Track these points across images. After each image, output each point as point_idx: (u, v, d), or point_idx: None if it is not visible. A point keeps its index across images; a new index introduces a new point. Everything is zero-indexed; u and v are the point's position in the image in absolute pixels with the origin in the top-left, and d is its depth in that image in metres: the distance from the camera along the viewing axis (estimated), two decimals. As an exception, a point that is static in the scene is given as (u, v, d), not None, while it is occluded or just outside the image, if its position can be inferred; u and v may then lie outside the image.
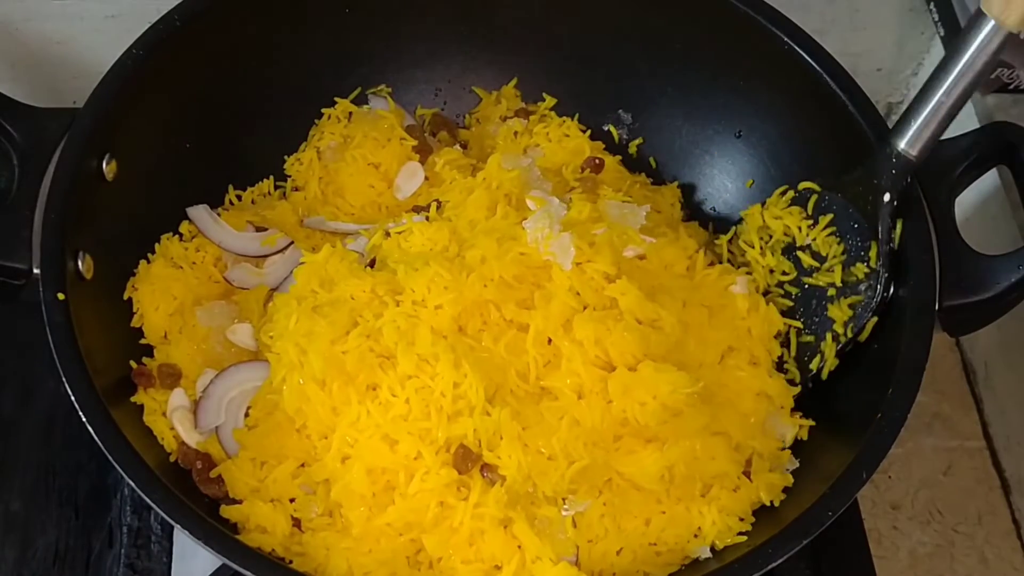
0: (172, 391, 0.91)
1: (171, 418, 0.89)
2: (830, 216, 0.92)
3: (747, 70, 1.01)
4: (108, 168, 0.89)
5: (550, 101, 1.10)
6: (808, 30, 0.96)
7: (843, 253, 0.91)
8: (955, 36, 0.83)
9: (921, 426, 1.14)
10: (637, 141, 1.10)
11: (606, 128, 1.10)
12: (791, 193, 0.96)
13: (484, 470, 0.84)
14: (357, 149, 1.05)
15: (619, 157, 1.09)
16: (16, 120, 0.87)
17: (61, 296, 0.81)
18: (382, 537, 0.84)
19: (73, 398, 0.78)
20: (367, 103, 1.09)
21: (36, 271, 0.82)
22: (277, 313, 0.92)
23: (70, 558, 1.00)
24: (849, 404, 0.88)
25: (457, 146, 1.09)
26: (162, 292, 0.94)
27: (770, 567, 0.76)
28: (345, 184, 1.05)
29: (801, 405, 0.93)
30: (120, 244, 0.93)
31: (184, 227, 0.99)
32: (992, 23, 0.79)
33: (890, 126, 0.89)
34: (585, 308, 0.88)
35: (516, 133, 1.09)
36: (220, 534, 0.77)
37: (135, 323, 0.93)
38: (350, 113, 1.08)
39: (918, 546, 1.08)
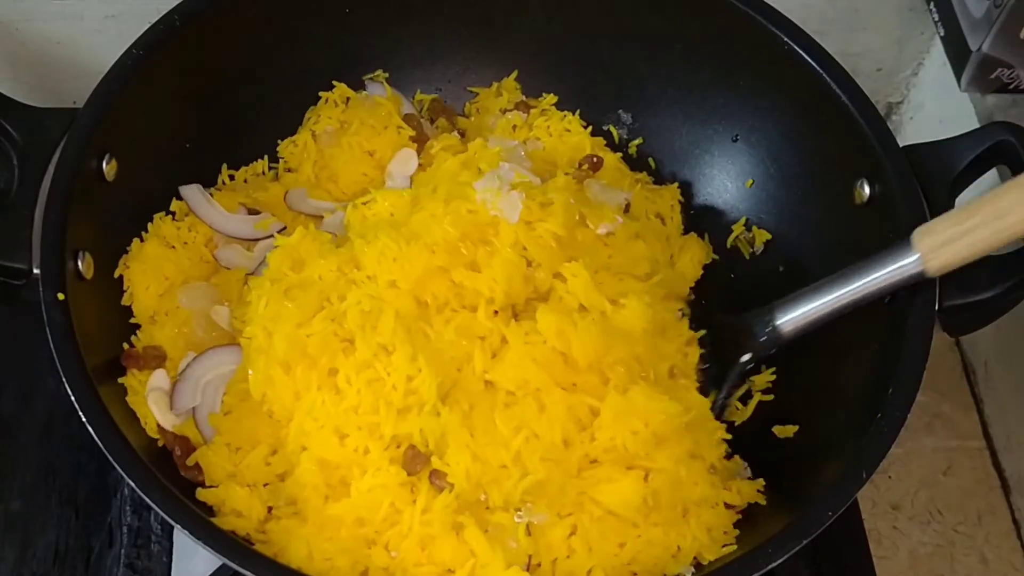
0: (154, 372, 0.90)
1: (148, 399, 0.88)
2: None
3: (747, 70, 1.01)
4: (108, 168, 0.89)
5: (552, 97, 1.10)
6: (808, 30, 0.96)
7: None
8: (872, 257, 0.86)
9: (921, 426, 1.14)
10: (637, 141, 1.10)
11: (606, 128, 1.10)
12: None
13: (433, 476, 0.83)
14: (354, 136, 1.05)
15: (620, 155, 1.09)
16: (16, 120, 0.87)
17: (61, 296, 0.81)
18: (341, 526, 0.83)
19: (73, 398, 0.78)
20: (364, 89, 1.09)
21: (36, 271, 0.82)
22: (249, 295, 0.91)
23: (70, 558, 1.00)
24: (849, 404, 0.88)
25: (455, 133, 1.08)
26: (153, 272, 0.93)
27: (770, 567, 0.76)
28: (339, 171, 1.05)
29: (798, 405, 0.94)
30: (120, 244, 0.93)
31: (176, 206, 0.98)
32: (916, 257, 0.81)
33: (890, 126, 0.89)
34: (531, 265, 0.88)
35: (515, 127, 1.08)
36: (220, 534, 0.77)
37: (125, 301, 0.92)
38: (347, 98, 1.07)
39: (918, 546, 1.08)
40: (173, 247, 0.96)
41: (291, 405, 0.86)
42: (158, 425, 0.88)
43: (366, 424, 0.83)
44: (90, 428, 0.77)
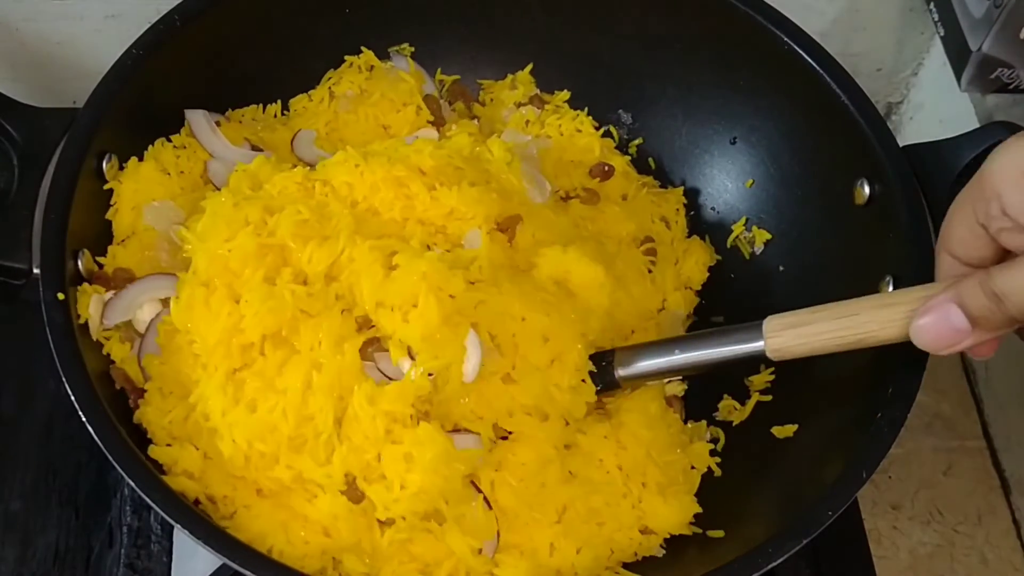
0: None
1: (90, 304, 0.85)
2: None
3: (747, 70, 1.01)
4: (108, 168, 0.89)
5: (565, 93, 1.10)
6: (808, 30, 0.96)
7: None
8: (724, 330, 0.88)
9: (921, 426, 1.14)
10: (637, 141, 1.10)
11: (606, 128, 1.10)
12: None
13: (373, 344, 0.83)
14: (372, 107, 1.04)
15: (628, 157, 1.09)
16: (16, 120, 0.87)
17: (61, 296, 0.81)
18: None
19: (73, 398, 0.78)
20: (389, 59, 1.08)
21: (36, 271, 0.82)
22: (203, 211, 0.88)
23: (70, 558, 1.00)
24: (849, 404, 0.88)
25: (476, 120, 1.08)
26: (144, 192, 0.91)
27: (770, 567, 0.76)
28: (349, 139, 1.03)
29: (797, 405, 0.94)
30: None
31: (178, 139, 0.96)
32: (762, 344, 0.82)
33: (890, 126, 0.89)
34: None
35: (528, 122, 1.08)
36: (220, 534, 0.76)
37: (108, 215, 0.90)
38: (371, 67, 1.07)
39: (918, 546, 1.08)
40: (168, 173, 0.94)
41: (209, 336, 0.81)
42: (111, 363, 0.85)
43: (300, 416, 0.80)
44: (90, 428, 0.77)
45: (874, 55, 1.25)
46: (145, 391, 0.85)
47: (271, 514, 0.82)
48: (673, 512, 0.89)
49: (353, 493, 0.81)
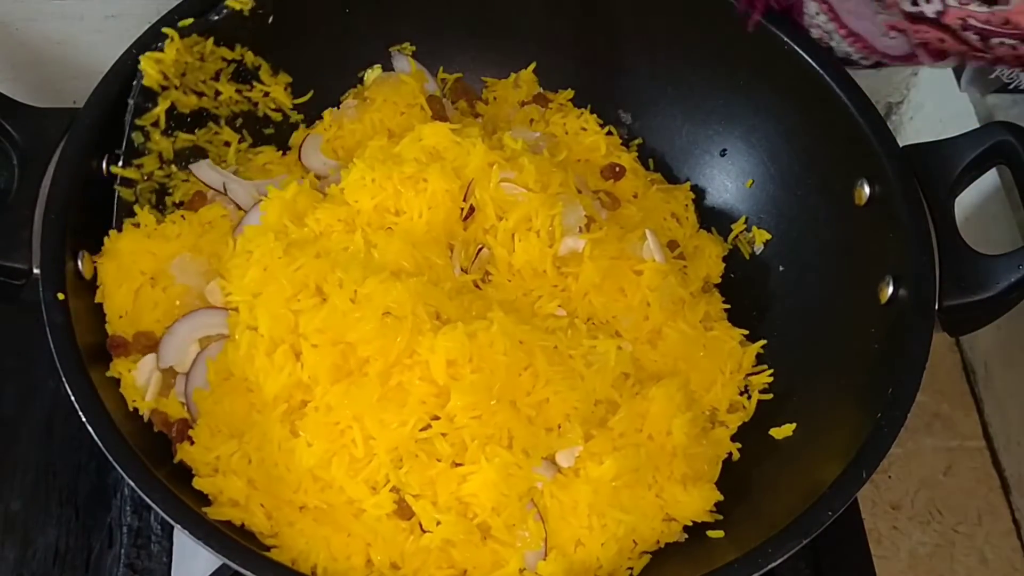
0: (145, 357, 0.88)
1: (137, 376, 0.86)
2: None
3: (747, 70, 1.01)
4: (108, 168, 0.89)
5: (569, 92, 1.10)
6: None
7: None
8: None
9: (921, 426, 1.14)
10: (637, 141, 1.10)
11: (608, 128, 1.10)
12: None
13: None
14: (376, 112, 1.05)
15: (635, 153, 1.09)
16: (16, 120, 0.87)
17: (61, 296, 0.81)
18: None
19: (73, 398, 0.78)
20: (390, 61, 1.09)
21: (36, 271, 0.82)
22: (248, 246, 0.90)
23: (70, 558, 1.00)
24: (849, 404, 0.88)
25: (480, 119, 1.08)
26: (127, 268, 0.90)
27: (770, 567, 0.76)
28: (354, 147, 1.03)
29: (797, 405, 0.94)
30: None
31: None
32: None
33: (890, 126, 0.89)
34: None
35: (532, 120, 1.08)
36: (220, 534, 0.77)
37: (97, 298, 0.88)
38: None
39: (918, 546, 1.08)
40: (150, 237, 0.92)
41: (270, 393, 0.85)
42: (152, 410, 0.87)
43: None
44: (90, 428, 0.77)
45: (874, 55, 1.25)
46: (188, 426, 0.86)
47: (314, 530, 0.83)
48: (694, 500, 0.89)
49: (404, 511, 0.83)
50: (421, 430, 0.84)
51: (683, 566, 0.86)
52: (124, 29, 0.96)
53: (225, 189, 0.97)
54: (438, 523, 0.83)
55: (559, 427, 0.88)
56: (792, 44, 0.96)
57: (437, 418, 0.85)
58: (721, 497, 0.90)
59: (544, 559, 0.84)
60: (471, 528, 0.84)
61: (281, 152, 1.05)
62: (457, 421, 0.84)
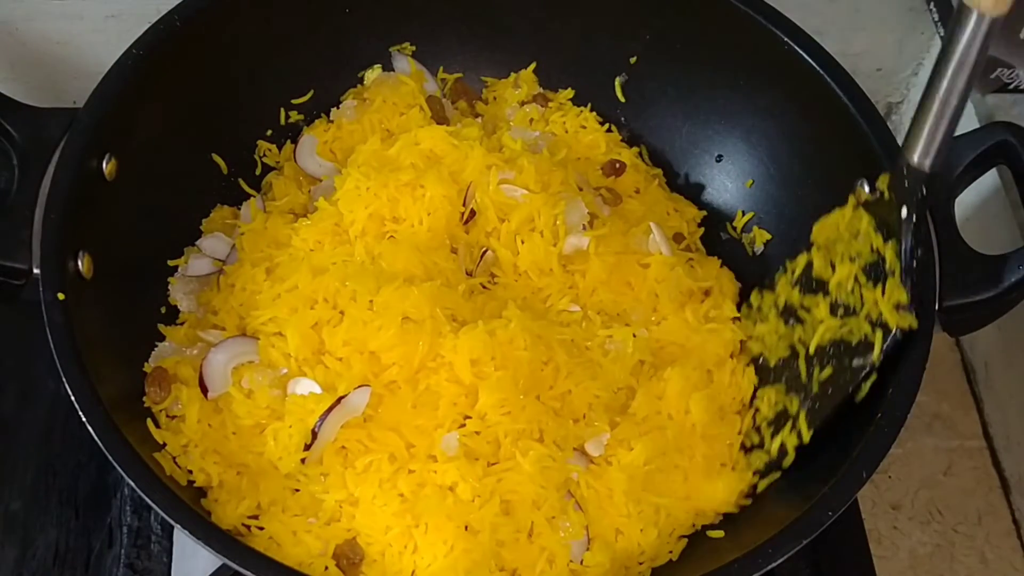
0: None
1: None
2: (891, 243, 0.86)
3: (747, 70, 1.01)
4: (108, 168, 0.89)
5: (569, 91, 1.10)
6: (808, 30, 0.96)
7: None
8: (945, 34, 0.80)
9: (921, 426, 1.14)
10: (636, 148, 1.10)
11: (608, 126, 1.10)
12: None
13: None
14: (375, 113, 1.05)
15: (636, 149, 1.09)
16: (16, 120, 0.87)
17: (61, 296, 0.81)
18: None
19: (73, 398, 0.78)
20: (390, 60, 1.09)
21: (36, 271, 0.82)
22: (229, 280, 0.94)
23: (70, 558, 1.00)
24: (849, 404, 0.88)
25: (480, 119, 1.08)
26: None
27: (770, 567, 0.76)
28: (352, 149, 1.03)
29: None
30: (120, 244, 0.93)
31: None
32: (975, 14, 0.75)
33: (890, 126, 0.89)
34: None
35: (532, 120, 1.08)
36: (220, 534, 0.77)
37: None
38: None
39: (918, 546, 1.08)
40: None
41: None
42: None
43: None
44: (90, 428, 0.77)
45: (874, 55, 1.25)
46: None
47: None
48: (718, 491, 0.89)
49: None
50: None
51: (683, 566, 0.86)
52: (124, 29, 0.96)
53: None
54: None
55: (584, 417, 0.89)
56: (792, 44, 0.96)
57: (469, 418, 0.86)
58: (744, 486, 0.90)
59: (588, 549, 0.85)
60: (518, 526, 0.84)
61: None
62: (489, 419, 0.85)
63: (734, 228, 1.06)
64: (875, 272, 0.86)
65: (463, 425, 0.86)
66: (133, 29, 0.93)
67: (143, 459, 0.78)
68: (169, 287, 0.97)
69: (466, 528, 0.83)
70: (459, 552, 0.82)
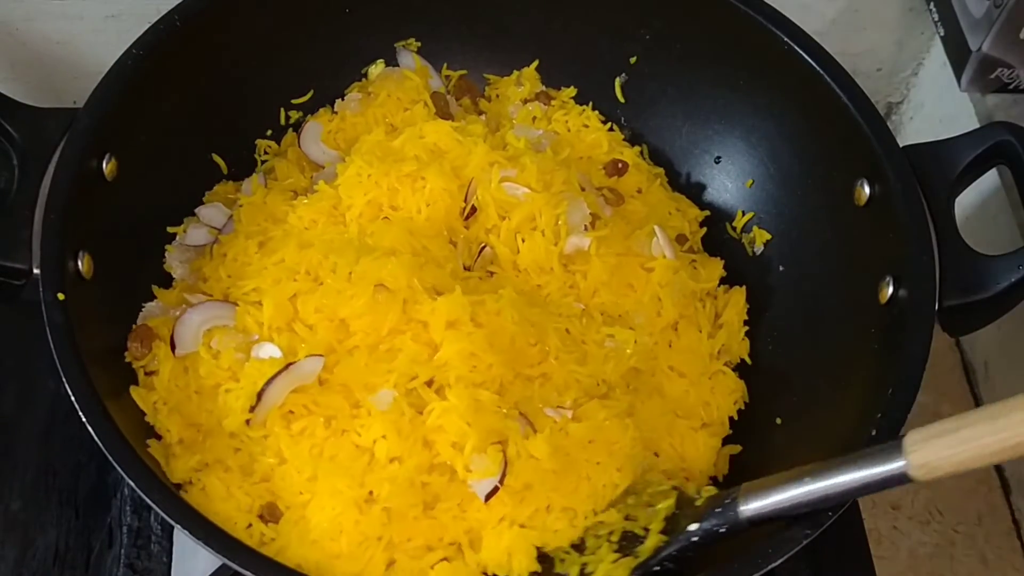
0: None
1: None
2: None
3: (747, 70, 1.01)
4: (108, 168, 0.89)
5: (572, 90, 1.10)
6: (808, 30, 0.96)
7: None
8: (856, 456, 0.74)
9: (921, 426, 1.14)
10: (638, 147, 1.10)
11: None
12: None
13: None
14: (379, 108, 1.05)
15: (638, 148, 1.08)
16: (16, 120, 0.87)
17: (61, 296, 0.81)
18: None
19: (73, 398, 0.78)
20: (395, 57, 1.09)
21: (36, 271, 0.82)
22: (221, 249, 0.95)
23: (70, 558, 1.00)
24: (849, 404, 0.88)
25: (483, 116, 1.08)
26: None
27: (770, 567, 0.76)
28: (354, 140, 1.03)
29: (798, 404, 0.94)
30: (120, 244, 0.93)
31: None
32: (903, 463, 0.70)
33: (890, 126, 0.89)
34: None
35: (535, 118, 1.08)
36: (220, 534, 0.76)
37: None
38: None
39: (918, 546, 1.08)
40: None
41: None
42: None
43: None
44: (90, 428, 0.77)
45: (874, 55, 1.25)
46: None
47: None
48: (700, 450, 0.91)
49: None
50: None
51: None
52: (124, 29, 0.96)
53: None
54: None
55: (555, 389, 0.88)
56: (792, 44, 0.96)
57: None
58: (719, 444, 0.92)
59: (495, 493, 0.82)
60: (436, 464, 0.83)
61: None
62: (445, 368, 0.84)
63: (734, 228, 1.06)
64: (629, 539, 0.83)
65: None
66: (133, 29, 0.93)
67: (143, 459, 0.78)
68: (165, 254, 0.97)
69: (371, 494, 0.82)
70: (350, 524, 0.81)
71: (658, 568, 0.80)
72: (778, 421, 0.95)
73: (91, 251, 0.87)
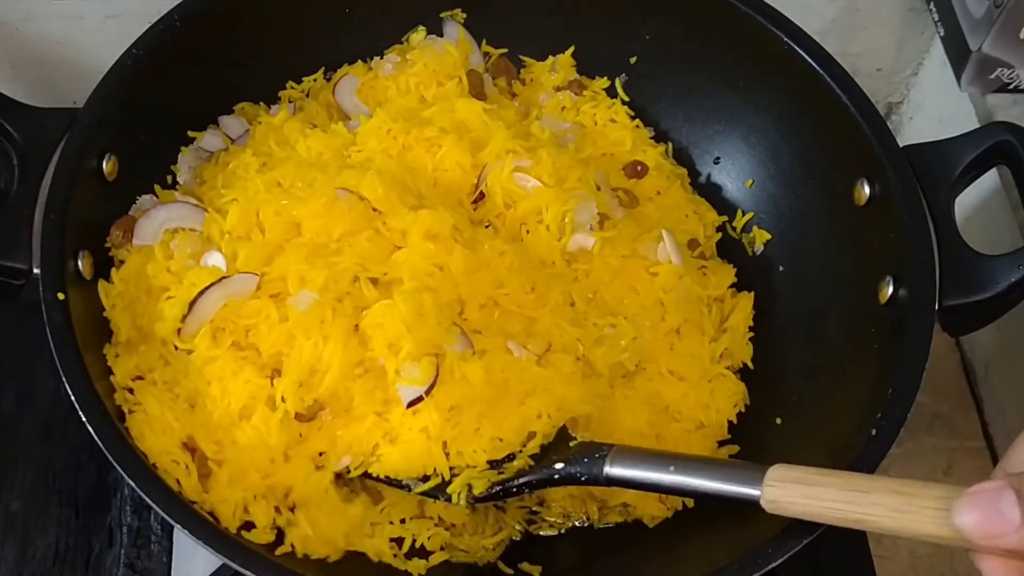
0: None
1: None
2: None
3: (747, 70, 1.01)
4: (108, 168, 0.89)
5: (604, 80, 1.09)
6: (808, 30, 0.96)
7: None
8: (726, 464, 0.79)
9: (921, 426, 1.14)
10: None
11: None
12: None
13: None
14: (413, 77, 1.03)
15: (663, 147, 1.07)
16: (16, 120, 0.87)
17: (61, 296, 0.81)
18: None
19: (73, 398, 0.78)
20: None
21: (36, 271, 0.82)
22: (225, 158, 0.94)
23: (70, 558, 1.00)
24: (849, 404, 0.88)
25: (516, 100, 1.07)
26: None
27: (770, 567, 0.76)
28: (383, 102, 1.03)
29: (798, 404, 0.94)
30: (120, 244, 0.93)
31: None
32: (758, 492, 0.73)
33: (890, 126, 0.89)
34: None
35: (564, 108, 1.07)
36: (220, 534, 0.77)
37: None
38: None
39: (918, 546, 1.08)
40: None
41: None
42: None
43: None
44: (90, 428, 0.77)
45: (874, 55, 1.25)
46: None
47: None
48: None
49: None
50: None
51: (683, 566, 0.86)
52: (124, 29, 0.96)
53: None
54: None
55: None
56: (792, 44, 0.96)
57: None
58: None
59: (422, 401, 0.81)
60: (365, 362, 0.82)
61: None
62: (403, 266, 0.83)
63: (734, 228, 1.06)
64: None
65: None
66: (133, 29, 0.93)
67: (143, 459, 0.78)
68: (179, 156, 0.98)
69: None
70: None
71: (515, 490, 0.83)
72: (778, 421, 0.95)
73: (91, 251, 0.87)
